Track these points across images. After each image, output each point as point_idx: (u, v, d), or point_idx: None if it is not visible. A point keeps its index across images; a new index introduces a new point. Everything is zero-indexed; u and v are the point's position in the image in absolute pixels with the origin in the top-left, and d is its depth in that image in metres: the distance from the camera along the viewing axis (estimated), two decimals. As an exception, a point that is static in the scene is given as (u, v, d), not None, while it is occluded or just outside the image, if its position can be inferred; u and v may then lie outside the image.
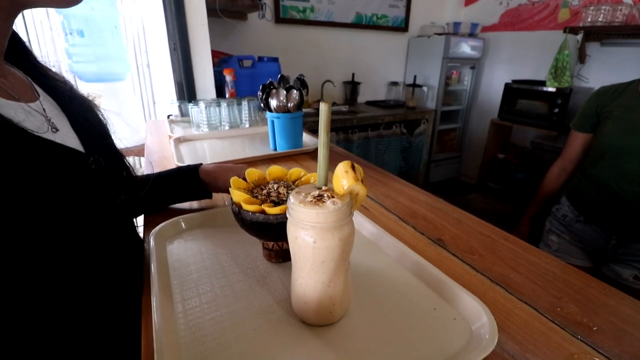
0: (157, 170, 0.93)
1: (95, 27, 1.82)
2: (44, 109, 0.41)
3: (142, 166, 2.37)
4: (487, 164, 3.02)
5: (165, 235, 0.59)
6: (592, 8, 2.28)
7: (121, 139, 0.57)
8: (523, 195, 2.51)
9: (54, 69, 0.48)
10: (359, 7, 2.80)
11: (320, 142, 0.38)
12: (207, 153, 1.10)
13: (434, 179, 3.36)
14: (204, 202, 0.73)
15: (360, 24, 2.86)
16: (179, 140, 1.18)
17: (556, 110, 2.39)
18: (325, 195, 0.36)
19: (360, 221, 0.62)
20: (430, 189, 0.71)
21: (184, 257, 0.54)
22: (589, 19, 2.28)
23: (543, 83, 2.48)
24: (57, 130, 0.40)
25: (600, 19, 2.25)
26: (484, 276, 0.51)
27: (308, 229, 0.35)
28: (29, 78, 0.43)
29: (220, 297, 0.45)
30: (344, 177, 0.37)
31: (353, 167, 0.37)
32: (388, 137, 2.77)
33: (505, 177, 2.86)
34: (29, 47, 0.46)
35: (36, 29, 1.90)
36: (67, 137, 0.42)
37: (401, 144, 2.88)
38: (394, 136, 2.80)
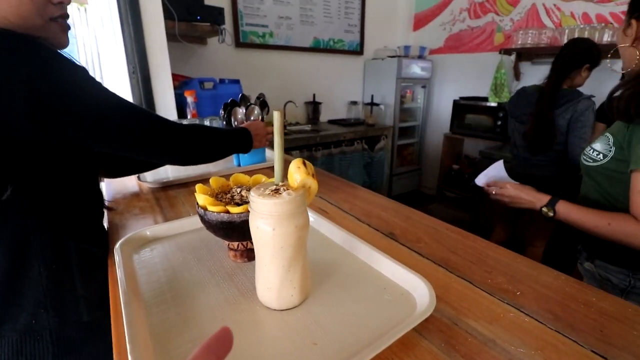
0: (115, 190, 0.94)
1: (49, 52, 1.80)
2: None
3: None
4: (444, 175, 3.21)
5: (131, 245, 0.60)
6: (521, 32, 2.57)
7: None
8: (477, 202, 2.69)
9: None
10: (316, 33, 2.95)
11: (276, 144, 0.43)
12: (169, 171, 1.11)
13: (396, 192, 3.50)
14: (169, 214, 0.76)
15: (318, 48, 3.00)
16: (141, 160, 1.18)
17: (499, 122, 2.62)
18: (282, 188, 0.41)
19: (320, 222, 0.67)
20: (400, 202, 0.77)
21: (151, 263, 0.56)
22: (519, 42, 2.57)
23: (486, 99, 2.72)
24: None
25: (529, 41, 2.54)
26: (428, 260, 0.57)
27: (267, 217, 0.40)
28: None
29: (186, 294, 0.48)
30: (296, 172, 0.42)
31: (304, 164, 0.42)
32: (350, 153, 2.88)
33: (461, 186, 3.05)
34: None
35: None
36: None
37: (363, 159, 3.01)
38: (356, 152, 2.91)
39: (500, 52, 2.63)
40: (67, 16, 0.56)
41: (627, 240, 0.67)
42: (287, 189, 0.41)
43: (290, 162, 0.44)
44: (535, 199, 0.84)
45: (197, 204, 0.52)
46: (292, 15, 2.78)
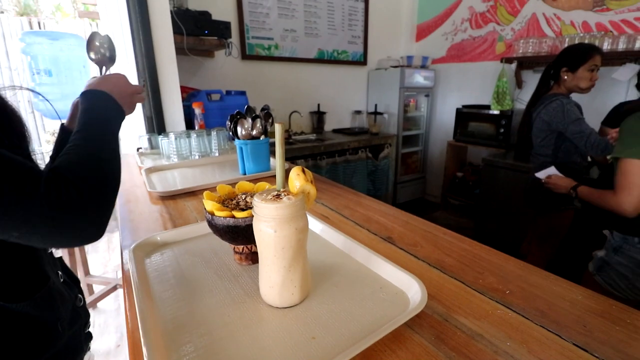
0: (125, 198, 0.98)
1: (63, 67, 1.87)
2: None
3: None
4: (448, 182, 3.23)
5: (143, 250, 0.64)
6: (522, 41, 2.61)
7: None
8: (481, 209, 2.70)
9: None
10: (321, 44, 3.02)
11: (277, 154, 0.47)
12: (177, 180, 1.16)
13: (401, 200, 3.52)
14: (177, 221, 0.79)
15: (322, 59, 3.07)
16: (150, 170, 1.23)
17: (502, 130, 2.64)
18: (282, 194, 0.45)
19: (321, 227, 0.70)
20: (399, 209, 0.81)
21: (161, 266, 0.60)
22: (521, 51, 2.61)
23: (488, 107, 2.75)
24: None
25: (530, 50, 2.58)
26: (424, 262, 0.60)
27: (269, 221, 0.43)
28: None
29: (195, 294, 0.52)
30: (296, 179, 0.46)
31: (303, 171, 0.46)
32: (355, 161, 2.92)
33: (465, 194, 3.07)
34: None
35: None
36: None
37: (367, 167, 3.04)
38: (360, 161, 2.95)
39: (501, 61, 2.67)
40: None
41: (609, 208, 1.08)
42: (288, 195, 0.45)
43: (291, 169, 0.47)
44: (567, 184, 1.35)
45: (205, 209, 0.56)
46: (297, 28, 2.85)
